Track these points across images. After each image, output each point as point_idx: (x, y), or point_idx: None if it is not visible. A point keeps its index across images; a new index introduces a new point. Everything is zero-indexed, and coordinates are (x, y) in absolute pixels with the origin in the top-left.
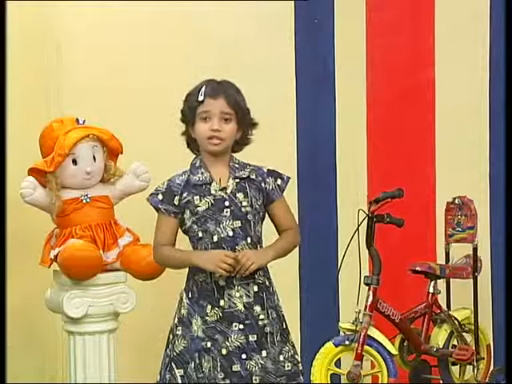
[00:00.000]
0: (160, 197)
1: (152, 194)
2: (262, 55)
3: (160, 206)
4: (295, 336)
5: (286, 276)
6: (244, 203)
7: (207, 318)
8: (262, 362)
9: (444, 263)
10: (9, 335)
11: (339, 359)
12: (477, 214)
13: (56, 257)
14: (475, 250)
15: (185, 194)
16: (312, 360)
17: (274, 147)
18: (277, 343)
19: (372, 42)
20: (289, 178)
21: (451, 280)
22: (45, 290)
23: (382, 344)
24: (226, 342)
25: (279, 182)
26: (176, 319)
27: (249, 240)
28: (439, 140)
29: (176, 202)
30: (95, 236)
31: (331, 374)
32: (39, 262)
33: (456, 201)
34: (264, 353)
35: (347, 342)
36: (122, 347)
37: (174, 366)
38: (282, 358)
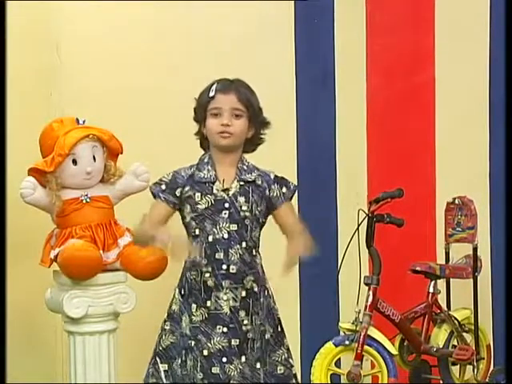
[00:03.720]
0: (163, 187)
1: (156, 182)
2: (262, 55)
3: (161, 195)
4: (295, 336)
5: (285, 276)
6: (244, 208)
7: (193, 317)
8: (241, 367)
9: (444, 263)
10: (9, 335)
11: (339, 359)
12: (477, 213)
13: (56, 257)
14: (475, 250)
15: (187, 188)
16: (312, 360)
17: (274, 147)
18: (256, 350)
19: (372, 42)
20: (296, 186)
21: (451, 280)
22: (45, 290)
23: (382, 344)
24: (209, 344)
25: (284, 189)
26: (166, 314)
27: (244, 244)
28: (439, 140)
29: (178, 194)
30: (95, 236)
31: (331, 374)
32: (39, 262)
33: (456, 201)
34: (243, 358)
35: (347, 342)
36: (122, 347)
37: (158, 360)
38: (273, 361)
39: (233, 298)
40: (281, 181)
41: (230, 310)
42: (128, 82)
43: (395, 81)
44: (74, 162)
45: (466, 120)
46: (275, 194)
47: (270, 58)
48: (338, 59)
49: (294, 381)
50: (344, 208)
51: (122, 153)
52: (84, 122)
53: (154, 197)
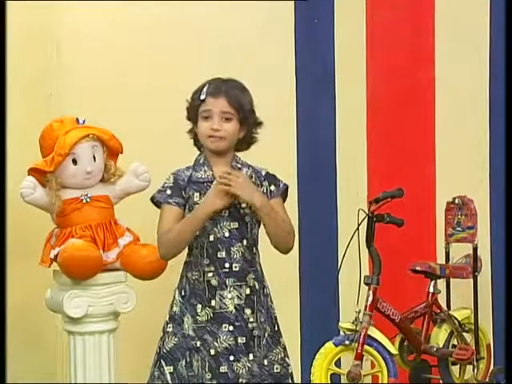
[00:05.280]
0: (168, 192)
1: (160, 190)
2: (262, 55)
3: (170, 200)
4: (295, 336)
5: (286, 276)
6: (243, 205)
7: (198, 317)
8: (249, 365)
9: (444, 263)
10: (9, 335)
11: (339, 359)
12: (477, 213)
13: (56, 256)
14: (475, 249)
15: (187, 189)
16: (312, 360)
17: (274, 147)
18: (263, 347)
19: (372, 42)
20: (286, 185)
21: (451, 280)
22: (45, 290)
23: (382, 344)
24: (215, 343)
25: (272, 187)
26: (168, 316)
27: (245, 242)
28: (439, 140)
29: (184, 195)
30: (95, 236)
31: (331, 374)
32: (39, 262)
33: (456, 201)
34: (251, 356)
35: (347, 342)
36: (122, 347)
37: (163, 362)
38: (270, 360)
39: (237, 296)
40: (271, 178)
41: (235, 308)
42: (128, 81)
43: (395, 81)
44: (74, 161)
45: (465, 120)
46: (263, 191)
47: (270, 58)
48: (338, 59)
49: (290, 380)
50: (344, 208)
51: (122, 152)
52: (84, 121)
53: (160, 204)
